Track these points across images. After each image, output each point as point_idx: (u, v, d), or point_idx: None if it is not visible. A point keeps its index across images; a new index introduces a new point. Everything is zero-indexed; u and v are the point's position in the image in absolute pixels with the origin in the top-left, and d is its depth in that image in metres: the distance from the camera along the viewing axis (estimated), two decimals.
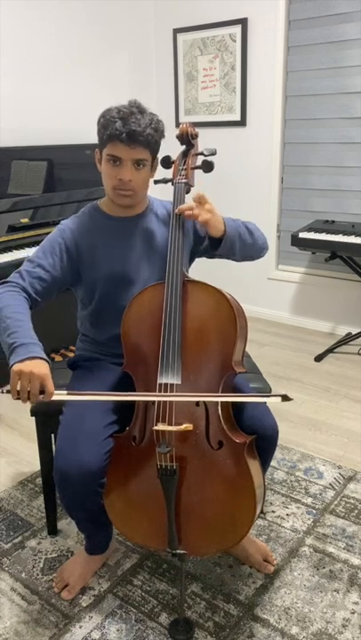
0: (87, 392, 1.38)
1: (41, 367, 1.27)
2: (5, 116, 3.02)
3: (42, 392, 1.27)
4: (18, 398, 1.27)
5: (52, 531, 1.86)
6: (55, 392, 1.29)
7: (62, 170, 3.13)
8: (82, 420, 1.45)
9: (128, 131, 1.40)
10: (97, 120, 1.48)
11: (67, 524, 1.90)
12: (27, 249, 2.75)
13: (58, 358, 3.00)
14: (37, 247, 1.57)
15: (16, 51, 3.03)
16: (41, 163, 3.04)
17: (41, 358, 1.29)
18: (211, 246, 1.59)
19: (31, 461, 2.25)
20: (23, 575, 1.71)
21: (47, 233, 2.85)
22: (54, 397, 1.29)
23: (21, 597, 1.63)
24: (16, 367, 1.26)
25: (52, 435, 1.74)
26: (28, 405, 1.70)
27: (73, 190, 3.14)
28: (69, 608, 1.59)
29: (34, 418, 1.71)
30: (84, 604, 1.60)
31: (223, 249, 1.53)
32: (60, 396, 1.32)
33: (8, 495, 2.07)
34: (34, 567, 1.74)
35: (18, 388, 1.26)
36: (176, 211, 1.47)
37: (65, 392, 1.35)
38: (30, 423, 1.83)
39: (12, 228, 2.78)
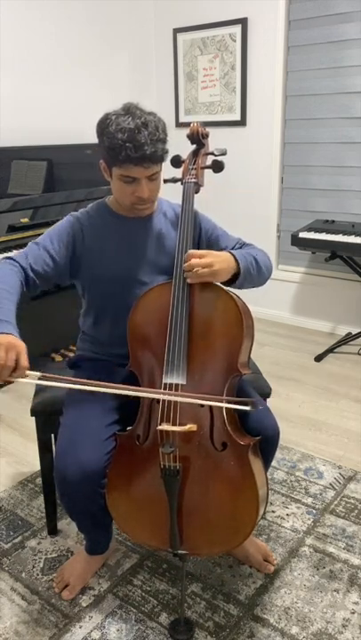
0: (64, 377, 1.32)
1: (16, 341, 1.23)
2: (5, 115, 3.02)
3: (15, 368, 1.22)
4: None
5: (52, 531, 1.86)
6: (28, 372, 1.23)
7: (62, 170, 3.13)
8: (82, 420, 1.44)
9: (140, 155, 1.37)
10: (97, 130, 1.43)
11: (67, 524, 1.90)
12: None
13: (58, 358, 3.00)
14: (46, 232, 1.55)
15: (16, 51, 3.03)
16: (41, 163, 3.04)
17: (14, 336, 1.25)
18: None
19: (31, 461, 2.25)
20: (23, 575, 1.71)
21: None
22: (26, 379, 1.24)
23: (21, 597, 1.63)
24: None
25: (52, 435, 1.74)
26: (29, 405, 1.70)
27: (73, 190, 3.14)
28: (69, 608, 1.59)
29: (34, 418, 1.71)
30: (84, 604, 1.60)
31: (236, 286, 1.49)
32: (33, 378, 1.25)
33: (8, 495, 2.07)
34: (34, 567, 1.74)
35: None
36: (188, 277, 1.38)
37: (38, 374, 1.26)
38: (30, 423, 1.83)
39: (12, 228, 2.78)
